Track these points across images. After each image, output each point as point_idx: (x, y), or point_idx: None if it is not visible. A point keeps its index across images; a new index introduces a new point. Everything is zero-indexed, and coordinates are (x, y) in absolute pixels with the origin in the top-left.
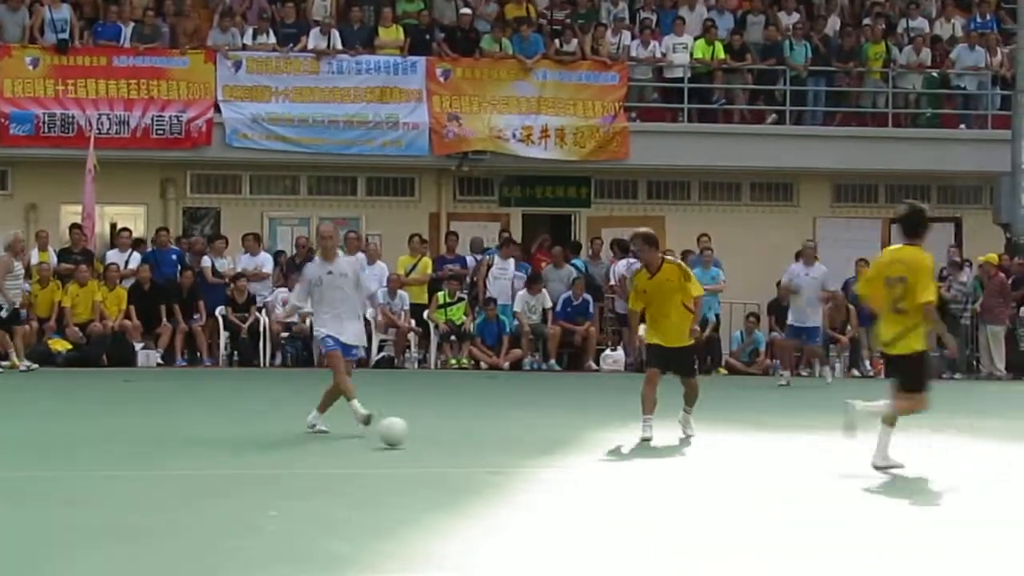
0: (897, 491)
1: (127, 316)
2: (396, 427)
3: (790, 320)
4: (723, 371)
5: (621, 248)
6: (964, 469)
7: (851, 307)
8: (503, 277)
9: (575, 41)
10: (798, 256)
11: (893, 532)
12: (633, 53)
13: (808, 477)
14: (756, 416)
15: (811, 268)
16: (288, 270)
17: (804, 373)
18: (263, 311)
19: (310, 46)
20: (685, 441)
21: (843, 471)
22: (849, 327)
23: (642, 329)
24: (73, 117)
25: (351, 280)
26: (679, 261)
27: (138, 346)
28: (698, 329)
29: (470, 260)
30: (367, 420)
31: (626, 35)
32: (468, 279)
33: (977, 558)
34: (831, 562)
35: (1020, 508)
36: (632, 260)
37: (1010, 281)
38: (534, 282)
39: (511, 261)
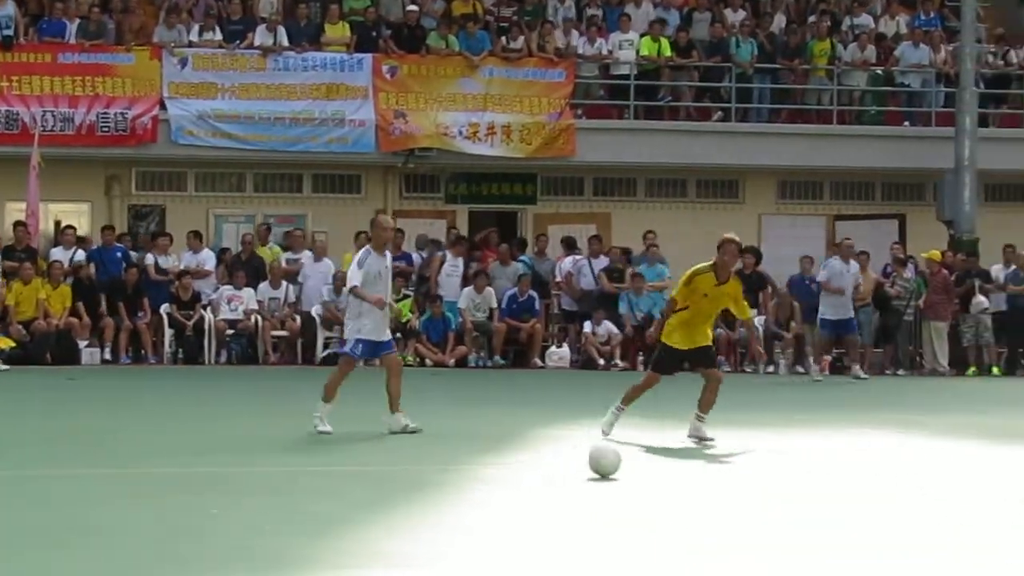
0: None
1: (73, 313)
2: (608, 456)
3: (826, 315)
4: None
5: (569, 245)
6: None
7: (795, 304)
8: (454, 275)
9: (522, 38)
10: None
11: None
12: (580, 50)
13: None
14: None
15: (848, 264)
16: (233, 267)
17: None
18: (208, 308)
19: (256, 43)
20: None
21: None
22: (793, 323)
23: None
24: (17, 114)
25: (391, 274)
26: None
27: (83, 344)
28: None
29: (416, 257)
30: (320, 430)
31: (573, 32)
32: (414, 276)
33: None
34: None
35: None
36: (578, 257)
37: (953, 278)
38: (478, 278)
39: (462, 259)
